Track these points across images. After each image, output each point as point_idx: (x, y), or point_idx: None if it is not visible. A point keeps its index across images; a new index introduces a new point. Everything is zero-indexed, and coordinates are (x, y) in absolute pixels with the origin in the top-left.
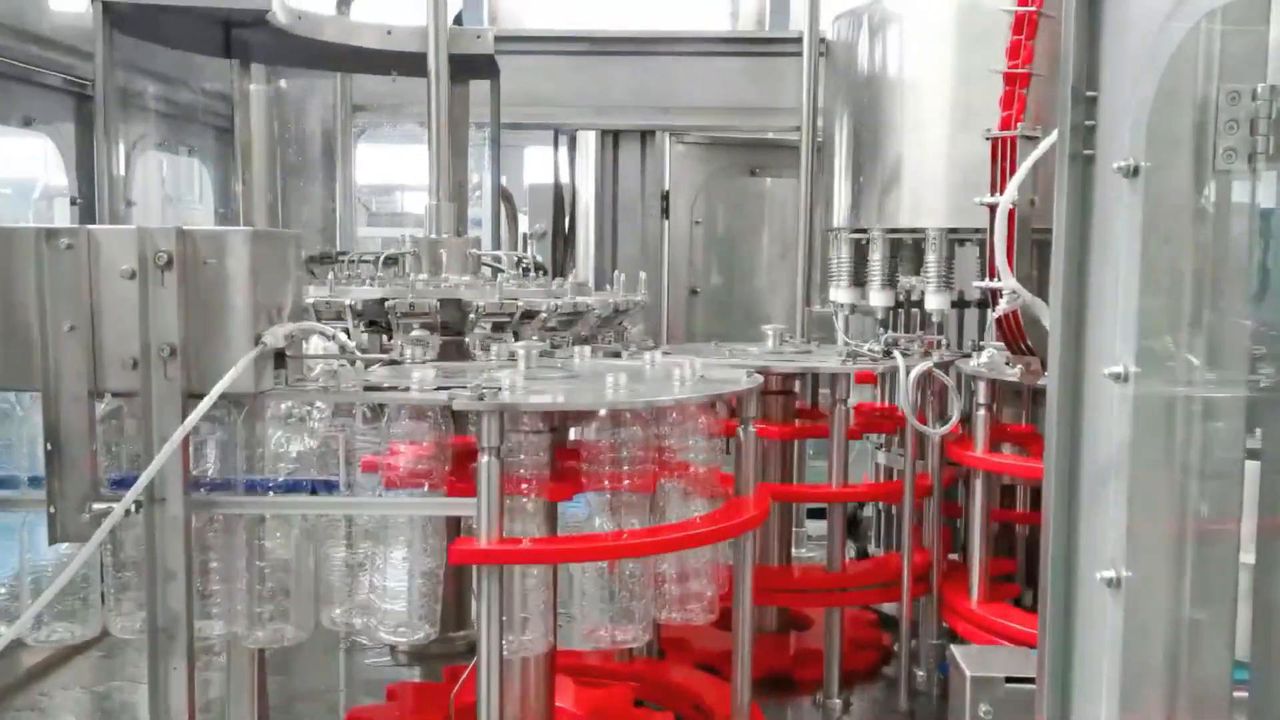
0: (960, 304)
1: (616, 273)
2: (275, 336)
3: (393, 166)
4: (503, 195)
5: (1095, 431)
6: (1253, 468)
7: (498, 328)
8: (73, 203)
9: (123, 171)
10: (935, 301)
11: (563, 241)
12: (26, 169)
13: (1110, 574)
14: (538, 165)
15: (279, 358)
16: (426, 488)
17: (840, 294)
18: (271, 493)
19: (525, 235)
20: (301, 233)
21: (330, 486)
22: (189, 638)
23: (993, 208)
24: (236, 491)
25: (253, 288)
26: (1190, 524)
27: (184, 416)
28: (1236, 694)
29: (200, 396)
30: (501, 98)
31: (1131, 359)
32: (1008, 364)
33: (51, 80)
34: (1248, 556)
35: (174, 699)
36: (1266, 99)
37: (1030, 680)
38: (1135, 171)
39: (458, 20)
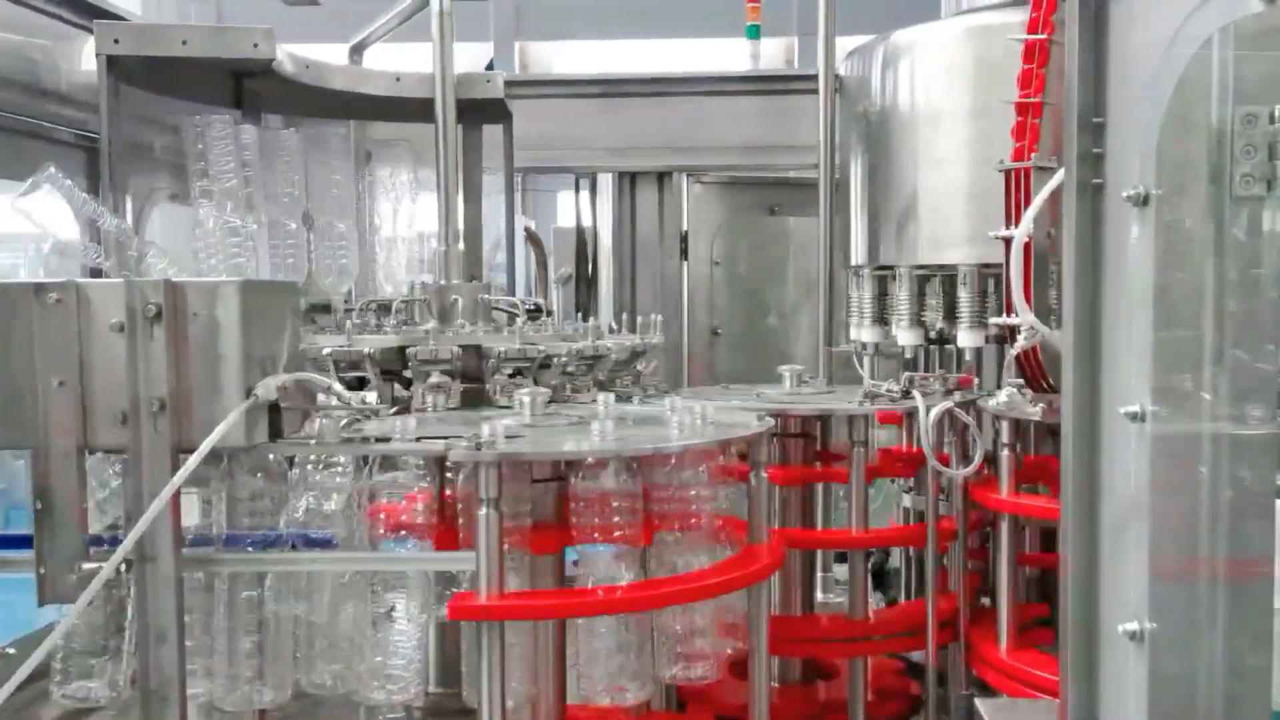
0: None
1: (627, 316)
2: (268, 388)
3: (419, 213)
4: (532, 240)
5: (1113, 475)
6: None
7: (517, 373)
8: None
9: (130, 224)
10: (968, 339)
11: (586, 285)
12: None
13: (1134, 627)
14: (569, 210)
15: (274, 409)
16: (424, 542)
17: (862, 333)
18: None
19: (552, 279)
20: (298, 282)
21: (321, 542)
22: (182, 701)
23: (1008, 241)
24: (228, 548)
25: (244, 339)
26: (1218, 570)
27: (174, 472)
28: None
29: (191, 451)
30: (520, 142)
31: (1148, 397)
32: (1030, 402)
33: (63, 135)
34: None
35: None
36: None
37: None
38: (1146, 200)
39: (489, 69)
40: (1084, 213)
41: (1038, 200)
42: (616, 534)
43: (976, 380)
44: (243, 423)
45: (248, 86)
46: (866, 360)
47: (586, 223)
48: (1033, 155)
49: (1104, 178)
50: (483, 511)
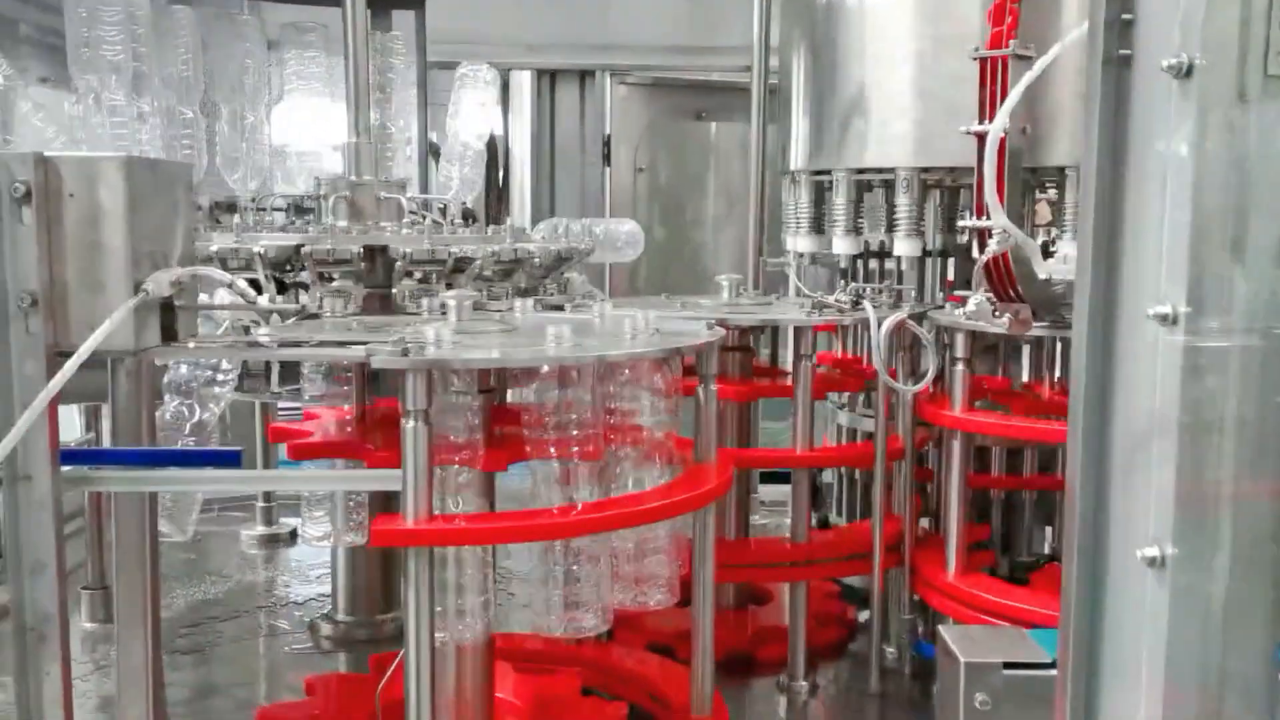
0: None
1: (561, 219)
2: (159, 283)
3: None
4: (432, 152)
5: (1132, 385)
6: None
7: (428, 279)
8: None
9: None
10: (905, 248)
11: (496, 195)
12: None
13: (1153, 552)
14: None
15: (167, 309)
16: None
17: (798, 242)
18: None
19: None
20: (193, 164)
21: (228, 458)
22: (64, 641)
23: (981, 136)
24: (119, 465)
25: (130, 226)
26: (1246, 492)
27: (50, 377)
28: None
29: (70, 354)
30: (428, 36)
31: (1183, 297)
32: (994, 313)
33: None
34: None
35: (48, 709)
36: None
37: (1029, 666)
38: (1189, 71)
39: None
40: (1109, 87)
41: (1016, 91)
42: (574, 449)
43: (913, 291)
44: (130, 323)
45: None
46: (800, 270)
47: (495, 130)
48: (1011, 42)
49: (1133, 48)
50: (410, 424)
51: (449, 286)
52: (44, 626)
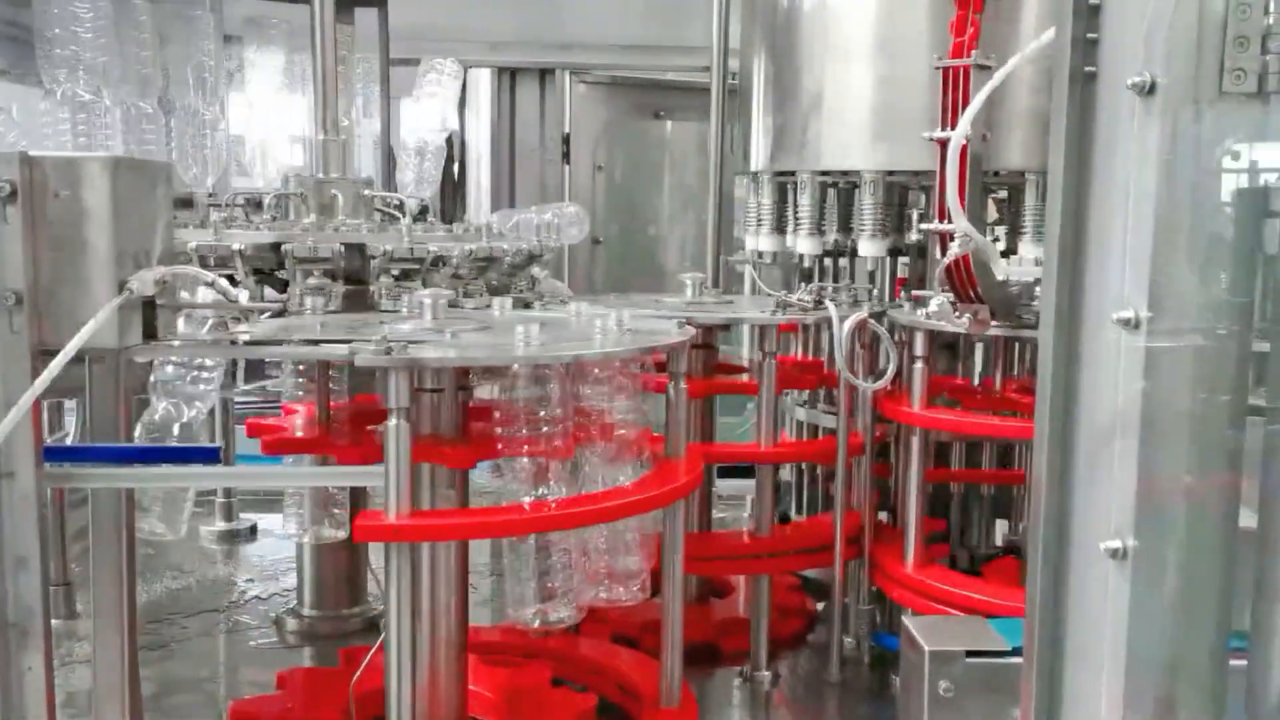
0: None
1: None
2: (143, 282)
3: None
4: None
5: (1096, 386)
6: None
7: (405, 276)
8: None
9: None
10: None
11: (452, 190)
12: None
13: (1115, 544)
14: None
15: (148, 307)
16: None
17: (760, 241)
18: (139, 463)
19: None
20: (173, 164)
21: (207, 454)
22: (46, 633)
23: (943, 143)
24: (100, 462)
25: (115, 225)
26: (1201, 487)
27: (34, 376)
28: (1234, 662)
29: (54, 353)
30: (393, 33)
31: (1144, 302)
32: (956, 314)
33: None
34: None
35: (29, 704)
36: None
37: (991, 654)
38: (1151, 89)
39: None
40: (1075, 103)
41: (978, 99)
42: (543, 446)
43: (873, 291)
44: (115, 321)
45: None
46: (757, 270)
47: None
48: (972, 52)
49: (1098, 66)
50: (392, 422)
51: (424, 283)
52: (26, 622)
